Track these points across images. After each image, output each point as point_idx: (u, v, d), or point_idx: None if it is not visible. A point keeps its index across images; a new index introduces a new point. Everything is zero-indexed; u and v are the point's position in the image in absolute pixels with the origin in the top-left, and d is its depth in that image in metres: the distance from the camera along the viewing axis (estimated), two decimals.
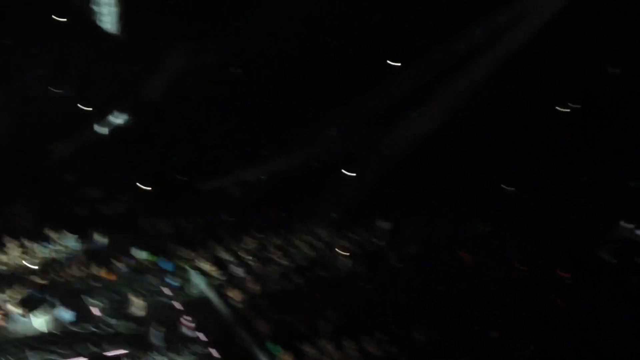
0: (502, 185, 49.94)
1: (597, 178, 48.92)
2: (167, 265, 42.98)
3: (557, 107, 51.02)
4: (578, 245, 43.08)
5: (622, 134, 49.92)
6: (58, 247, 43.71)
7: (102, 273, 41.72)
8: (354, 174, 46.29)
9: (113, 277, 41.64)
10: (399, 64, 50.76)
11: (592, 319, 36.99)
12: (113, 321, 37.80)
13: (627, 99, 48.68)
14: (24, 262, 41.82)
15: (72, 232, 44.70)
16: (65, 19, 49.37)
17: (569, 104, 51.29)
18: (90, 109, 52.86)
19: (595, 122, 51.05)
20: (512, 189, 49.57)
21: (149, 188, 50.06)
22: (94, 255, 43.34)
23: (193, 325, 36.88)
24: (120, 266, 42.45)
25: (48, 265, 41.97)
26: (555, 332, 35.75)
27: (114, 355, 35.23)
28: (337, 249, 44.16)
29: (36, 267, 41.49)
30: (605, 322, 36.40)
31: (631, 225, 43.70)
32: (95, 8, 47.94)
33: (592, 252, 42.67)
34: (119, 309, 38.74)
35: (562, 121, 52.95)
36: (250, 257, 43.45)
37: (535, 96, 49.50)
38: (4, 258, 42.08)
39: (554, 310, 37.98)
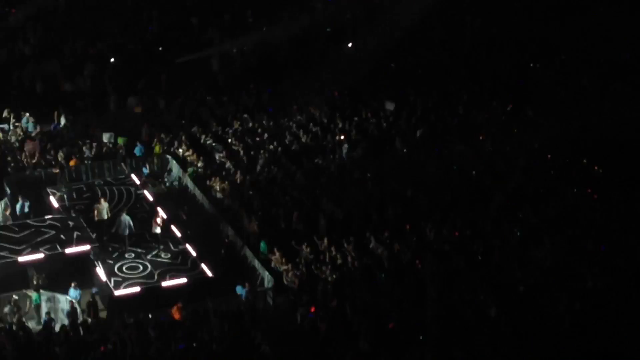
0: None
1: None
2: (137, 150, 41.67)
3: None
4: None
5: None
6: (14, 129, 42.42)
7: (60, 158, 40.30)
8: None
9: (73, 163, 40.20)
10: None
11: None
12: (72, 213, 36.74)
13: None
14: None
15: (30, 112, 43.24)
16: None
17: None
18: None
19: None
20: None
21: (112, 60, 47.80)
22: (54, 138, 42.15)
23: (164, 218, 35.84)
24: (85, 150, 40.92)
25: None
26: None
27: (76, 252, 33.96)
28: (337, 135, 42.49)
29: None
30: None
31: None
32: None
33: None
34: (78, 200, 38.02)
35: None
36: (237, 143, 41.84)
37: None
38: None
39: None
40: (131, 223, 34.72)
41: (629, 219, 34.88)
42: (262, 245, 34.14)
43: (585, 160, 39.69)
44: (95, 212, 35.51)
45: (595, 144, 39.89)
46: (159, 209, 36.19)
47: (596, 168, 39.19)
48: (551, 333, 29.04)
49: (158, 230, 35.00)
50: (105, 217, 35.35)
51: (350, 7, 52.59)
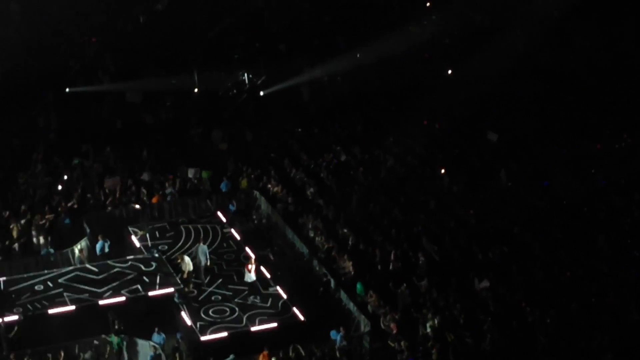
0: None
1: None
2: (223, 185, 42.07)
3: None
4: None
5: None
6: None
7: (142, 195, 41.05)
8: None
9: (155, 200, 40.86)
10: None
11: None
12: (155, 253, 37.19)
13: None
14: None
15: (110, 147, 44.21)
16: None
17: None
18: None
19: None
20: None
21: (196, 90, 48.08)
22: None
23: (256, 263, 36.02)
24: (168, 187, 41.56)
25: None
26: None
27: (159, 294, 34.51)
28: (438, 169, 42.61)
29: None
30: None
31: None
32: None
33: None
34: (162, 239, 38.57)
35: None
36: (329, 177, 42.23)
37: None
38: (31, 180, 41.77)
39: None
40: (207, 252, 35.59)
41: None
42: (359, 286, 34.13)
43: None
44: (182, 267, 35.88)
45: None
46: (251, 254, 36.43)
47: None
48: None
49: (253, 277, 35.23)
50: (192, 269, 35.65)
51: (449, 31, 52.32)
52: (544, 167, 42.26)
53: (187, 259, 35.81)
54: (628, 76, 48.83)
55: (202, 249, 35.65)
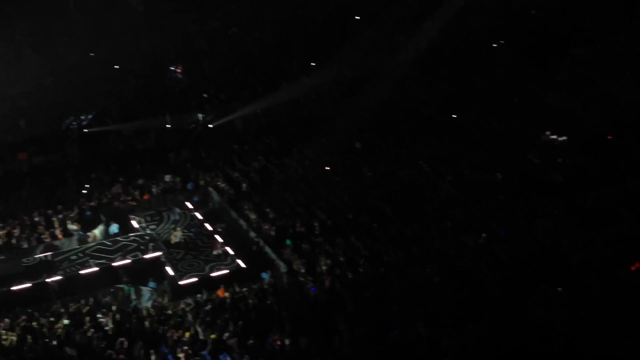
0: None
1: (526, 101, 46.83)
2: (189, 185, 41.77)
3: None
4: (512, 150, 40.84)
5: None
6: None
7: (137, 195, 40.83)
8: None
9: (146, 197, 40.64)
10: None
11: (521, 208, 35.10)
12: (148, 231, 36.97)
13: None
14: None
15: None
16: None
17: None
18: None
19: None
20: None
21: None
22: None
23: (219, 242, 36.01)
24: (154, 188, 41.36)
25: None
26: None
27: (152, 257, 34.64)
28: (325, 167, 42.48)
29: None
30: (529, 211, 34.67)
31: (553, 135, 41.71)
32: None
33: (523, 156, 40.40)
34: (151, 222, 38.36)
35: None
36: (258, 177, 41.95)
37: None
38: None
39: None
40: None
41: None
42: (288, 241, 34.44)
43: None
44: (172, 237, 36.21)
45: None
46: (218, 240, 36.19)
47: None
48: None
49: (216, 252, 35.25)
50: (178, 240, 36.00)
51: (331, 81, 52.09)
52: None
53: (175, 233, 36.32)
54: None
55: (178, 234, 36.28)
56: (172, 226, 37.30)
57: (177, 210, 39.28)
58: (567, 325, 26.35)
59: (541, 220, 33.49)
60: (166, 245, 35.58)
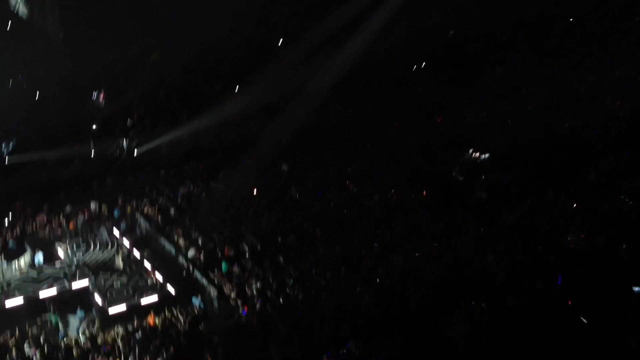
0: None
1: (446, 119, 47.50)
2: (116, 213, 41.35)
3: None
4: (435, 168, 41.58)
5: None
6: None
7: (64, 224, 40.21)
8: None
9: (72, 226, 40.06)
10: None
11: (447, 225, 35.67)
12: (74, 259, 36.39)
13: None
14: None
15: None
16: None
17: None
18: None
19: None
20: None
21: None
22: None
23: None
24: (80, 216, 40.69)
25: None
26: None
27: (79, 287, 34.36)
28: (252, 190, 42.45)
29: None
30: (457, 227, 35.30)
31: (475, 153, 42.65)
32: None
33: (447, 173, 41.10)
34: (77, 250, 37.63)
35: None
36: (185, 202, 41.92)
37: None
38: None
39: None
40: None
41: None
42: (224, 265, 34.28)
43: None
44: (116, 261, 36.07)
45: None
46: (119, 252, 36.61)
47: None
48: None
49: (120, 264, 35.44)
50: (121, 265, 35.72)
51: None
52: None
53: (118, 257, 36.01)
54: None
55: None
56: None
57: (104, 231, 38.95)
58: (488, 339, 27.03)
59: (466, 237, 34.24)
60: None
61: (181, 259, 35.88)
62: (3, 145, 46.86)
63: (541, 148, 41.16)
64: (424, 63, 54.26)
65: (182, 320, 30.61)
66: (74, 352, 28.56)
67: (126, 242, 38.11)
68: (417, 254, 33.24)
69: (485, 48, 53.73)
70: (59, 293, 33.33)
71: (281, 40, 57.99)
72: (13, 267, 35.87)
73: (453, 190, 39.63)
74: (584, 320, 27.48)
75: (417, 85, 52.36)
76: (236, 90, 53.32)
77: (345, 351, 27.33)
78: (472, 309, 28.63)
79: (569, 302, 28.09)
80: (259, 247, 35.61)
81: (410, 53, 55.15)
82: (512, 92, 48.33)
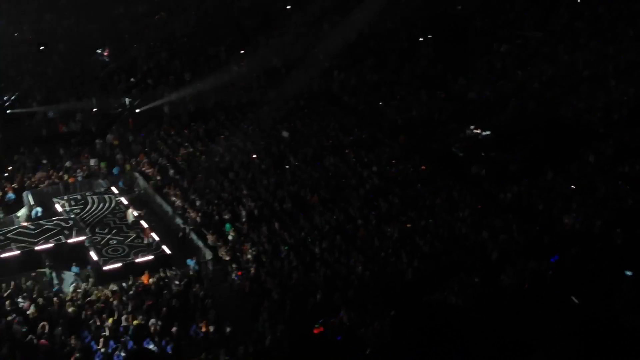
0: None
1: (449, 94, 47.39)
2: (115, 170, 41.22)
3: None
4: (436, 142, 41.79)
5: None
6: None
7: (65, 178, 39.94)
8: None
9: (72, 180, 39.80)
10: None
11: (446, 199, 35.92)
12: (72, 215, 36.25)
13: None
14: None
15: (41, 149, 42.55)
16: None
17: None
18: None
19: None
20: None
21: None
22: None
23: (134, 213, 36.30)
24: (79, 172, 40.55)
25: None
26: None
27: (75, 241, 34.12)
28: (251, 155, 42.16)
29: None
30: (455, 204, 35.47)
31: (476, 129, 42.60)
32: None
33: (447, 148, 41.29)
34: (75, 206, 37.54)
35: None
36: (184, 164, 41.43)
37: None
38: None
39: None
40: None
41: None
42: (227, 226, 34.28)
43: None
44: (126, 216, 35.93)
45: None
46: (130, 207, 36.54)
47: None
48: None
49: (131, 218, 35.42)
50: (132, 219, 35.68)
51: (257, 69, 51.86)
52: None
53: (129, 212, 36.02)
54: None
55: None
56: (121, 208, 36.98)
57: (102, 182, 39.22)
58: (481, 313, 27.18)
59: (462, 212, 34.31)
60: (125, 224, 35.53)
61: (178, 220, 35.84)
62: (5, 97, 46.57)
63: (542, 128, 41.12)
64: (429, 35, 53.91)
65: (175, 281, 30.64)
66: (67, 307, 28.64)
67: (124, 200, 37.94)
68: (407, 225, 33.43)
69: (492, 24, 53.48)
70: (55, 247, 33.28)
71: (289, 6, 57.56)
72: (10, 219, 35.85)
73: (452, 165, 39.65)
74: (575, 300, 27.77)
75: (422, 58, 52.11)
76: (240, 54, 52.85)
77: (336, 320, 27.53)
78: (464, 284, 28.88)
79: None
80: (255, 212, 35.56)
81: (416, 25, 54.92)
82: (517, 71, 48.23)
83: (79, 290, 30.30)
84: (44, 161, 40.98)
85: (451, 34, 50.87)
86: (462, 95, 47.30)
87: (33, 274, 31.93)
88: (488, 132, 42.50)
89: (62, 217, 35.80)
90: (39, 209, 36.39)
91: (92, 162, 41.16)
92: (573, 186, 35.92)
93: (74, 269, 32.16)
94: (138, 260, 32.75)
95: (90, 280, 31.41)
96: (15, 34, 52.64)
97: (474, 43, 50.98)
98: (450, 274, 29.60)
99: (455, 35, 50.61)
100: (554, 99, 44.13)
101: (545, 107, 43.43)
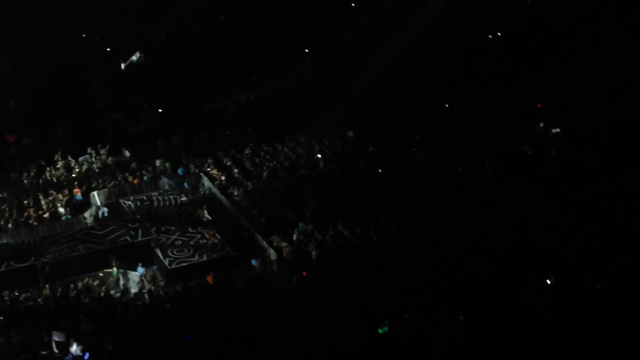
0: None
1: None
2: (180, 170, 41.41)
3: None
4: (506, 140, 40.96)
5: None
6: (94, 161, 42.07)
7: (129, 179, 40.26)
8: None
9: (136, 181, 40.13)
10: None
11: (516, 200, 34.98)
12: (137, 215, 36.82)
13: None
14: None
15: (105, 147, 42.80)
16: None
17: None
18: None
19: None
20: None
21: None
22: (122, 166, 41.93)
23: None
24: (145, 173, 41.01)
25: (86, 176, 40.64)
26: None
27: (141, 241, 34.63)
28: (317, 155, 42.04)
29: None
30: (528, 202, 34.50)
31: (546, 126, 41.69)
32: None
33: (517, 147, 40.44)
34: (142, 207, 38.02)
35: None
36: (248, 162, 41.56)
37: None
38: (54, 172, 40.82)
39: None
40: None
41: None
42: (300, 225, 34.28)
43: None
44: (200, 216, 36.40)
45: None
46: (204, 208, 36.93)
47: None
48: None
49: (204, 218, 35.87)
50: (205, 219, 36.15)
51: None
52: None
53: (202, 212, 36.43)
54: None
55: None
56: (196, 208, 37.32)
57: (167, 182, 39.50)
58: (559, 318, 26.35)
59: (534, 212, 33.53)
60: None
61: (243, 220, 35.81)
62: None
63: (616, 126, 40.04)
64: (499, 32, 53.05)
65: (240, 282, 30.56)
66: (133, 308, 28.82)
67: (187, 198, 38.26)
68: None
69: (566, 19, 52.33)
70: (122, 248, 33.63)
71: (354, 4, 57.27)
72: (78, 220, 36.26)
73: (521, 163, 38.89)
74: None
75: (491, 53, 51.33)
76: (307, 54, 52.85)
77: (403, 322, 27.11)
78: (539, 286, 28.20)
79: None
80: (320, 213, 35.30)
81: (485, 20, 54.04)
82: (590, 67, 47.10)
83: (144, 290, 30.58)
84: (110, 162, 41.52)
85: (521, 28, 50.03)
86: (533, 92, 46.39)
87: (100, 274, 32.47)
88: (558, 129, 41.60)
89: (128, 218, 36.19)
90: (106, 210, 36.77)
91: (157, 162, 41.47)
92: None
93: (140, 269, 32.45)
94: (203, 260, 32.84)
95: (157, 280, 31.71)
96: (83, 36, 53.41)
97: (546, 38, 49.95)
98: (524, 276, 28.94)
99: (525, 30, 49.77)
100: (628, 95, 42.89)
101: (619, 104, 42.26)
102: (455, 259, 30.41)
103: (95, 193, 38.45)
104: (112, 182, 39.58)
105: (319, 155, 41.63)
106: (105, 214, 36.60)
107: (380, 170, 39.30)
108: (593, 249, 29.92)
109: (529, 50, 48.95)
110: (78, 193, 38.36)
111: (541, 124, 42.02)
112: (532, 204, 34.33)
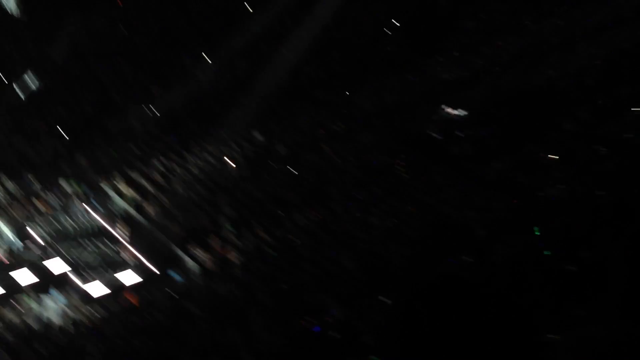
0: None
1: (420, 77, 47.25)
2: (86, 189, 40.23)
3: None
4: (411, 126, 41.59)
5: None
6: None
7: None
8: None
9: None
10: None
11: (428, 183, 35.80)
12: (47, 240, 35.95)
13: None
14: None
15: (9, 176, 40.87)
16: None
17: None
18: None
19: None
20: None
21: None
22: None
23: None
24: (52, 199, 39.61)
25: None
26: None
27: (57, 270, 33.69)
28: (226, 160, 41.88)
29: None
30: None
31: (449, 108, 42.55)
32: None
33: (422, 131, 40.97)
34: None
35: None
36: (160, 177, 41.02)
37: None
38: None
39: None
40: None
41: None
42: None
43: None
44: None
45: None
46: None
47: None
48: None
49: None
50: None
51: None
52: None
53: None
54: None
55: None
56: None
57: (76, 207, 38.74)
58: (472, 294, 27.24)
59: (445, 194, 34.35)
60: None
61: (158, 234, 35.62)
62: None
63: (516, 100, 41.23)
64: (392, 20, 53.81)
65: (162, 297, 30.42)
66: (60, 338, 28.36)
67: (99, 218, 37.60)
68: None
69: (455, 1, 53.47)
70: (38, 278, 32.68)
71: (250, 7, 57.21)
72: None
73: (429, 148, 39.64)
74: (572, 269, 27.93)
75: (389, 44, 52.05)
76: (205, 60, 52.51)
77: (330, 318, 27.45)
78: (455, 265, 28.95)
79: None
80: (236, 218, 35.40)
81: (379, 11, 54.76)
82: (484, 46, 48.32)
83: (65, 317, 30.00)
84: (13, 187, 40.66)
85: (414, 15, 50.84)
86: (433, 76, 47.29)
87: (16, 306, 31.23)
88: (462, 110, 42.56)
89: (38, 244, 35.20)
90: (18, 240, 35.32)
91: (63, 182, 40.11)
92: (552, 156, 36.04)
93: (57, 295, 31.54)
94: (122, 279, 32.45)
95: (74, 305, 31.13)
96: None
97: (439, 22, 50.97)
98: (439, 257, 29.62)
99: (418, 17, 50.62)
100: (524, 69, 44.25)
101: (516, 79, 43.54)
102: (371, 249, 30.97)
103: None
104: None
105: (229, 161, 41.60)
106: (19, 246, 35.34)
107: (290, 169, 39.60)
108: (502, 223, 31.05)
109: (425, 36, 49.82)
110: None
111: (443, 107, 42.91)
112: (443, 186, 35.24)
